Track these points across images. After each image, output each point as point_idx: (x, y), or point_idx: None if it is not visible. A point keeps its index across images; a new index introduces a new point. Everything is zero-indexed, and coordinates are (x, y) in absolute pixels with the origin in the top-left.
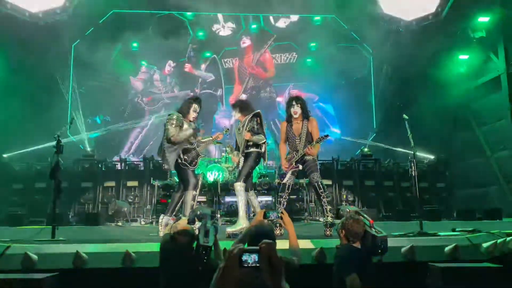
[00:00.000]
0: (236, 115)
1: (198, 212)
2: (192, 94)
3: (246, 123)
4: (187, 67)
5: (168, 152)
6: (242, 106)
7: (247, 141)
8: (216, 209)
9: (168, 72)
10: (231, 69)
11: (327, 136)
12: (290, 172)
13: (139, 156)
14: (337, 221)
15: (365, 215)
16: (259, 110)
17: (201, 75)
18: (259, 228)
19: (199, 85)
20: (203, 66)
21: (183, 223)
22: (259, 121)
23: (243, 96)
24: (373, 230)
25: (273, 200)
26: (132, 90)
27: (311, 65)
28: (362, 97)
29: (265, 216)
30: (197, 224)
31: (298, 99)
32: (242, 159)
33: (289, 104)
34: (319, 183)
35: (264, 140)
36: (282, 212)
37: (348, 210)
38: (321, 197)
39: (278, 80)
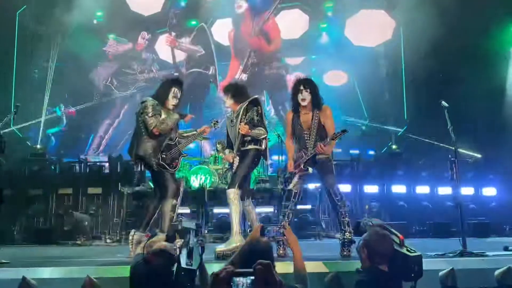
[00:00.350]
0: (228, 102)
1: (180, 227)
2: (176, 74)
3: (241, 112)
4: (168, 39)
5: (145, 147)
6: (236, 91)
7: (243, 136)
8: (202, 223)
9: (143, 46)
10: (224, 40)
11: (345, 131)
12: (297, 176)
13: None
14: (358, 238)
15: (394, 230)
16: (256, 96)
17: (187, 49)
18: (253, 247)
19: (184, 62)
20: (187, 39)
21: (160, 240)
22: (259, 111)
23: (243, 76)
24: (404, 248)
25: (276, 211)
26: (98, 71)
27: (328, 34)
28: (389, 79)
29: (262, 233)
30: (178, 241)
31: (307, 82)
32: (236, 159)
33: (295, 89)
34: (335, 190)
35: (265, 135)
36: (284, 227)
37: (371, 224)
38: (338, 207)
39: (288, 53)
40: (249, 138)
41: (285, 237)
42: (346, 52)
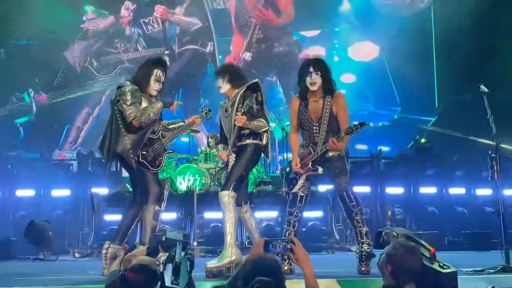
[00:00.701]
0: (224, 87)
1: (163, 238)
2: (167, 53)
3: (237, 100)
4: (158, 10)
5: (123, 141)
6: (232, 74)
7: (240, 128)
8: (190, 233)
9: (127, 20)
10: (224, 11)
11: (363, 124)
12: (304, 177)
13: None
14: (379, 251)
15: (423, 242)
16: (257, 80)
17: (180, 22)
18: (258, 265)
19: (176, 38)
20: (180, 10)
21: (140, 254)
22: (260, 99)
23: (247, 55)
24: (436, 264)
25: (279, 219)
26: (74, 50)
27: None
28: (418, 57)
29: (266, 248)
30: (162, 256)
31: (317, 63)
32: (232, 156)
33: (304, 71)
34: (350, 194)
35: (267, 128)
36: (292, 242)
37: (396, 234)
38: (353, 215)
39: (301, 26)
40: (247, 131)
41: (292, 253)
42: (371, 23)
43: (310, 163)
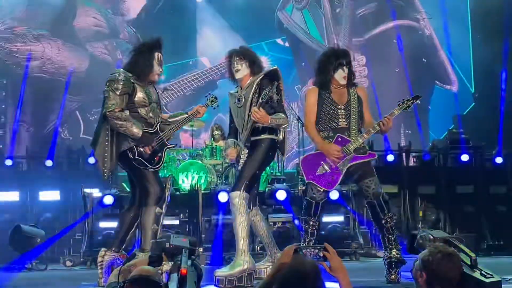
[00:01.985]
0: (243, 71)
1: (167, 245)
2: None
3: (253, 89)
4: None
5: (104, 138)
6: (255, 59)
7: (255, 122)
8: (197, 239)
9: None
10: None
11: (418, 97)
12: (344, 171)
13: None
14: (411, 257)
15: (463, 247)
16: (276, 67)
17: None
18: (295, 272)
19: None
20: None
21: (141, 264)
22: (281, 87)
23: None
24: (478, 272)
25: (294, 222)
26: None
27: None
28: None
29: (295, 256)
30: (165, 265)
31: (347, 56)
32: (245, 151)
33: (336, 64)
34: (381, 200)
35: (287, 123)
36: (325, 249)
37: (432, 238)
38: (383, 223)
39: None
40: (262, 125)
41: (324, 261)
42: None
43: (349, 150)
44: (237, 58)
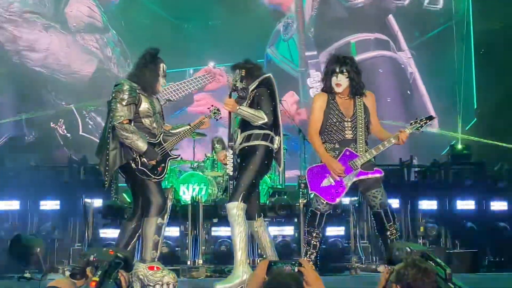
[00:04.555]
0: (240, 85)
1: (91, 257)
2: None
3: (248, 97)
4: None
5: (111, 148)
6: (249, 71)
7: (244, 126)
8: (195, 249)
9: None
10: None
11: (432, 118)
12: (349, 184)
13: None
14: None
15: (440, 260)
16: (269, 75)
17: None
18: (276, 284)
19: None
20: None
21: (63, 281)
22: (270, 92)
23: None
24: (452, 286)
25: (296, 235)
26: None
27: None
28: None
29: (269, 270)
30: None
31: (345, 62)
32: (229, 154)
33: (329, 70)
34: (388, 211)
35: (264, 121)
36: (300, 264)
37: (410, 250)
38: (388, 234)
39: None
40: (254, 131)
41: (303, 277)
42: None
43: (356, 165)
44: (232, 73)
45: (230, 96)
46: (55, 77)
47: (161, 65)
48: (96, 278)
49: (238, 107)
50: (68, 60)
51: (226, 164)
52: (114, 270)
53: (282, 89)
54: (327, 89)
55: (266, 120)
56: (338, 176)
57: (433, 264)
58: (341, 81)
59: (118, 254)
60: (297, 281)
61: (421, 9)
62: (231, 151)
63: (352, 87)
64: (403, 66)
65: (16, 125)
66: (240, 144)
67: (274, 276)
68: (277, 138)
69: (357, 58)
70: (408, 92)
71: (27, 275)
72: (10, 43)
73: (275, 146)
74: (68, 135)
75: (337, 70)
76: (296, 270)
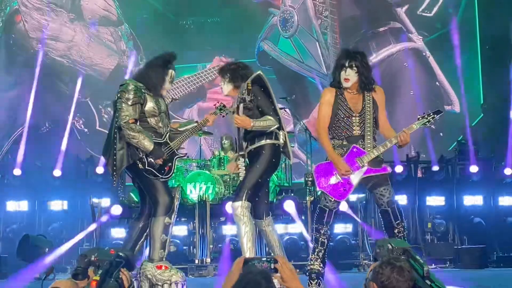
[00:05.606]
0: (225, 88)
1: (93, 258)
2: None
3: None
4: None
5: (118, 148)
6: (233, 73)
7: (240, 127)
8: (203, 249)
9: None
10: None
11: (439, 112)
12: (356, 181)
13: None
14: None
15: (419, 258)
16: (259, 72)
17: None
18: (246, 282)
19: None
20: None
21: (65, 281)
22: (265, 90)
23: None
24: (429, 284)
25: (303, 232)
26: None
27: None
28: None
29: (243, 267)
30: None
31: (354, 57)
32: (241, 162)
33: (338, 65)
34: (395, 209)
35: (275, 126)
36: (276, 261)
37: (391, 248)
38: (396, 232)
39: None
40: (257, 130)
41: (278, 274)
42: None
43: (362, 162)
44: (221, 77)
45: (238, 109)
46: (77, 68)
47: (171, 71)
48: (97, 278)
49: (252, 124)
50: (91, 53)
51: (239, 173)
52: (115, 270)
53: (288, 88)
54: (336, 83)
55: (277, 124)
56: (345, 175)
57: (413, 261)
58: (349, 76)
59: (119, 253)
60: (267, 278)
61: (417, 15)
62: (242, 160)
63: (361, 82)
64: (424, 54)
65: (32, 116)
66: (246, 147)
67: (244, 274)
68: (281, 132)
69: (381, 55)
70: (437, 83)
71: (36, 275)
72: (35, 31)
73: (281, 141)
74: (86, 130)
75: (346, 64)
76: (272, 266)
